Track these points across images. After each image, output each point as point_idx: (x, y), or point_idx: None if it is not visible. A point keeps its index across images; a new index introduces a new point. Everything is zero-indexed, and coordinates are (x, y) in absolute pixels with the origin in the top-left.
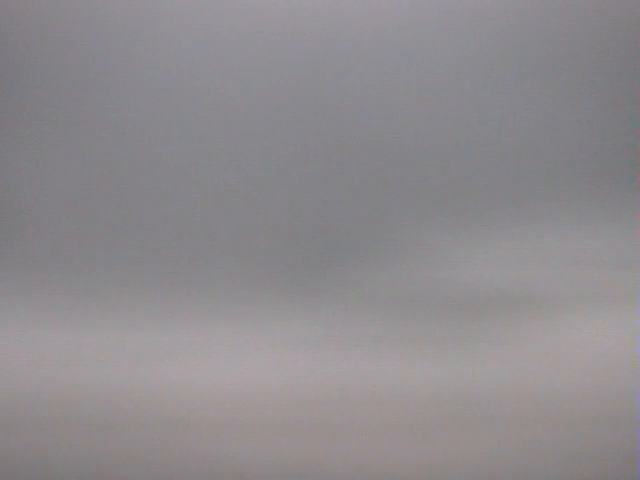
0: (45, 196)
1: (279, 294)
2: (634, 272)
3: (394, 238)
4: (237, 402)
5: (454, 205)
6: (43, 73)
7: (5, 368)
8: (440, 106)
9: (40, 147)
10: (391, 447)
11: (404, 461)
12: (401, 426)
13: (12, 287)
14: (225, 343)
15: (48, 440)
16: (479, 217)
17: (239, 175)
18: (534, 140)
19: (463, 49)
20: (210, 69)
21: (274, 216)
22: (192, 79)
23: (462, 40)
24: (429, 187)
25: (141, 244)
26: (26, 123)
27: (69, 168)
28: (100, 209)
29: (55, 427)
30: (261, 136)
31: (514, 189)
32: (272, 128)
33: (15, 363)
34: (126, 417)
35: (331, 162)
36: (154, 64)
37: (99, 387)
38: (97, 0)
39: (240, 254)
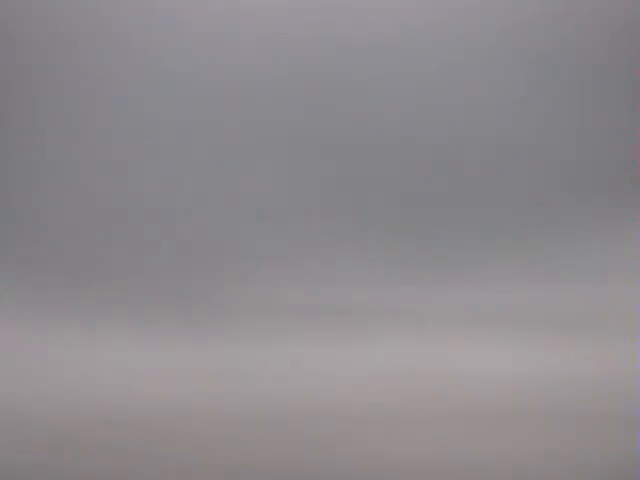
0: (48, 201)
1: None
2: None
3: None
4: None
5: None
6: (42, 73)
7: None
8: (435, 108)
9: (39, 148)
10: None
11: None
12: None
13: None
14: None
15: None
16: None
17: (238, 175)
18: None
19: (465, 46)
20: (210, 65)
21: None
22: (191, 77)
23: (463, 37)
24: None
25: (141, 256)
26: (25, 124)
27: (70, 170)
28: (105, 212)
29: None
30: (258, 134)
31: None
32: (269, 126)
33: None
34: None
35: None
36: (152, 62)
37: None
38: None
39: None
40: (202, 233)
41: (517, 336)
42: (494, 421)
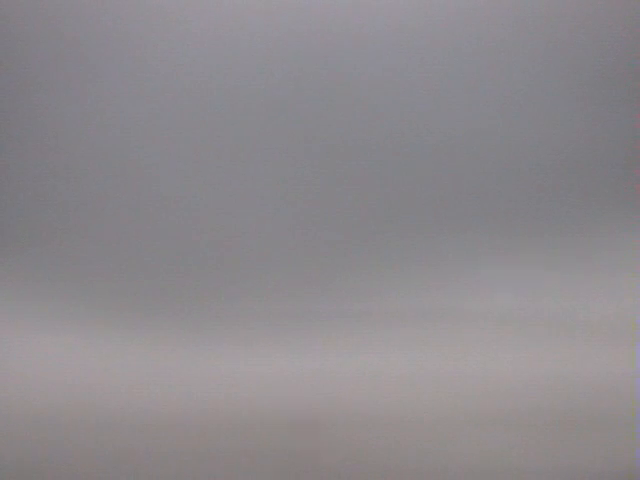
0: (51, 200)
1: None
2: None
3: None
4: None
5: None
6: (42, 73)
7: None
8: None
9: (40, 148)
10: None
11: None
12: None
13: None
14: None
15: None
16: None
17: (239, 177)
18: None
19: (465, 47)
20: (210, 68)
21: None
22: (191, 78)
23: (464, 38)
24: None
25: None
26: (24, 123)
27: (69, 170)
28: (108, 212)
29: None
30: (259, 137)
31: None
32: (270, 128)
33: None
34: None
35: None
36: (151, 62)
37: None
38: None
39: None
40: (203, 234)
41: (517, 336)
42: (493, 421)
